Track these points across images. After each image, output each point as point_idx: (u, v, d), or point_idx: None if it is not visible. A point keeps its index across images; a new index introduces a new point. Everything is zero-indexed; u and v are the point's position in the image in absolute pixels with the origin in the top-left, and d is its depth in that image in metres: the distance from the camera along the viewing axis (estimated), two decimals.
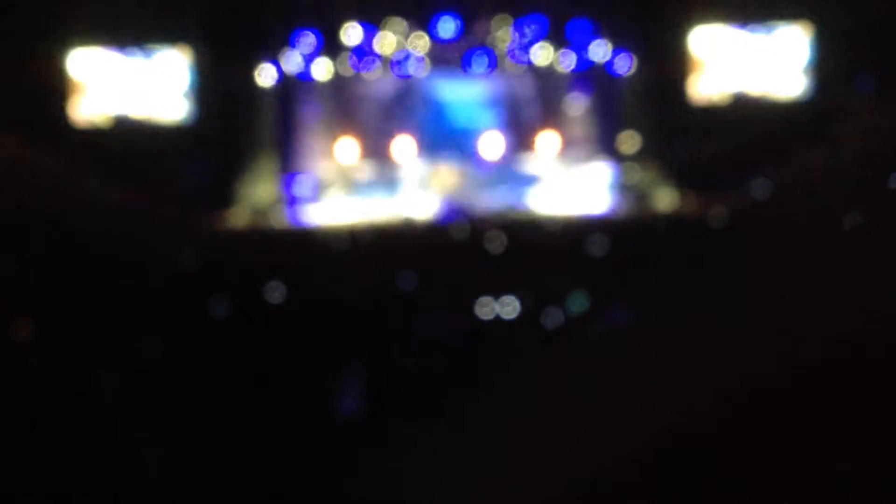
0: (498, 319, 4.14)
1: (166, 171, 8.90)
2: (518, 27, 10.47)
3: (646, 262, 4.14)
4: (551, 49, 10.74)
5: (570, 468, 2.47)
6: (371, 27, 10.22)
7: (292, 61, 10.21)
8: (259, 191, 9.82)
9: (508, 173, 11.06)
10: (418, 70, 10.78)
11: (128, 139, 9.31)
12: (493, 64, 10.88)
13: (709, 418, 2.64)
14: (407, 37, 10.40)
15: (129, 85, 9.37)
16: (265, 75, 9.94)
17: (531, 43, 10.64)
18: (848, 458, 2.33)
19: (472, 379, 3.20)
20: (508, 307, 4.19)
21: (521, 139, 11.37)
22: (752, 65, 10.05)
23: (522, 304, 3.96)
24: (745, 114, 9.56)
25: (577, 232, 6.14)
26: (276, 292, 4.69)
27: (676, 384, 2.83)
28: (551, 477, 2.44)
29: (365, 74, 10.81)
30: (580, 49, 10.70)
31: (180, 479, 2.69)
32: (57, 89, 9.15)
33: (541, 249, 5.20)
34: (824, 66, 8.81)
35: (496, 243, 5.44)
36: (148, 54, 9.40)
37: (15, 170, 7.35)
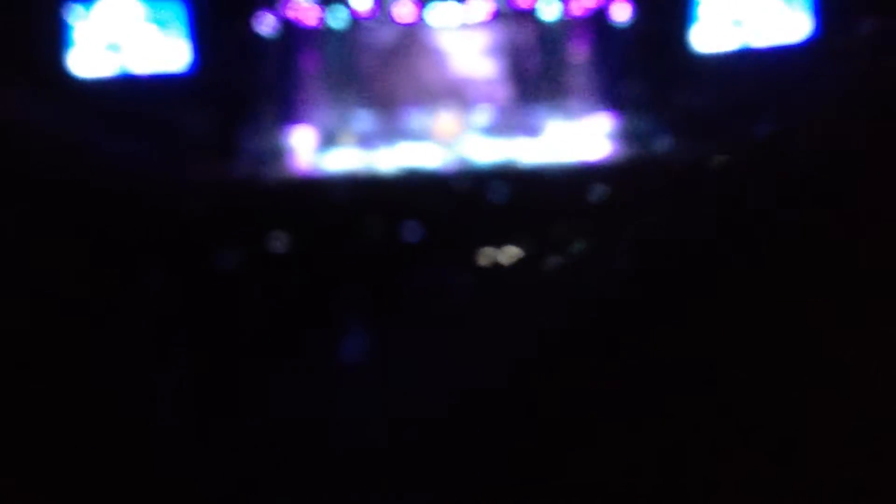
0: (499, 267, 4.17)
1: (168, 120, 8.87)
2: None
3: (646, 209, 4.17)
4: None
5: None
6: None
7: (293, 9, 10.13)
8: (261, 141, 9.80)
9: (510, 122, 11.03)
10: (420, 18, 10.70)
11: (128, 89, 9.28)
12: (496, 12, 10.81)
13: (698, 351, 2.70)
14: None
15: (129, 34, 9.31)
16: (266, 24, 9.87)
17: None
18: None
19: (472, 325, 3.24)
20: (510, 256, 4.21)
21: (523, 88, 11.33)
22: (753, 14, 9.97)
23: (525, 253, 3.98)
24: (746, 63, 9.50)
25: (577, 180, 6.14)
26: (278, 242, 4.71)
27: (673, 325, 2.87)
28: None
29: (366, 23, 10.74)
30: None
31: (184, 425, 2.74)
32: (56, 40, 9.09)
33: (543, 198, 5.21)
34: (826, 15, 8.72)
35: (498, 193, 5.45)
36: (148, 3, 9.32)
37: (15, 122, 7.33)
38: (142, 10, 9.30)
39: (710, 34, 10.01)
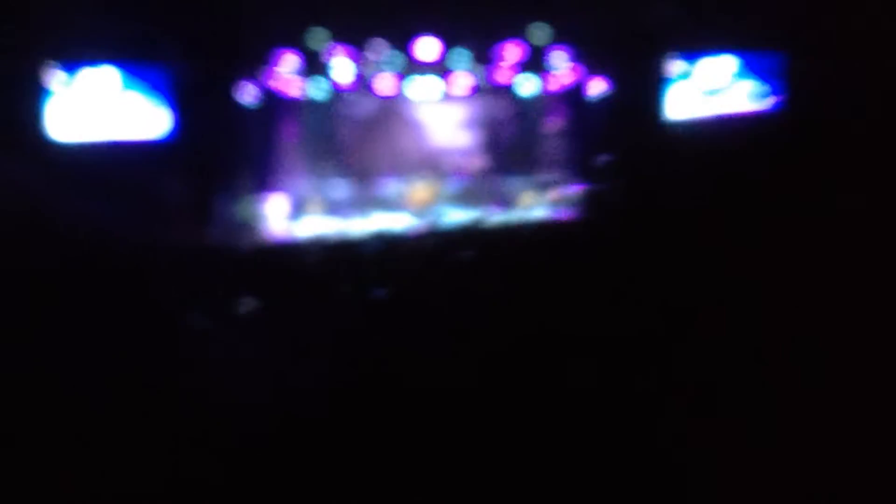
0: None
1: (146, 186, 8.90)
2: (497, 51, 10.55)
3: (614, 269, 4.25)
4: (530, 73, 10.86)
5: None
6: (352, 48, 10.27)
7: (273, 80, 10.26)
8: (238, 208, 9.82)
9: (483, 191, 11.15)
10: (400, 91, 10.85)
11: (108, 155, 9.31)
12: (475, 87, 10.96)
13: None
14: (388, 58, 10.45)
15: (111, 100, 9.39)
16: (246, 93, 9.98)
17: (510, 67, 10.74)
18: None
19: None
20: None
21: (497, 159, 11.48)
22: (723, 88, 10.24)
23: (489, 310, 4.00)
24: (717, 135, 9.69)
25: (543, 241, 6.22)
26: (251, 307, 4.72)
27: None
28: None
29: (345, 94, 10.88)
30: (557, 73, 10.82)
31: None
32: (37, 105, 9.14)
33: (508, 258, 5.27)
34: (794, 89, 8.94)
35: (464, 253, 5.51)
36: (129, 70, 9.42)
37: None
38: (124, 77, 9.40)
39: (682, 104, 10.24)
